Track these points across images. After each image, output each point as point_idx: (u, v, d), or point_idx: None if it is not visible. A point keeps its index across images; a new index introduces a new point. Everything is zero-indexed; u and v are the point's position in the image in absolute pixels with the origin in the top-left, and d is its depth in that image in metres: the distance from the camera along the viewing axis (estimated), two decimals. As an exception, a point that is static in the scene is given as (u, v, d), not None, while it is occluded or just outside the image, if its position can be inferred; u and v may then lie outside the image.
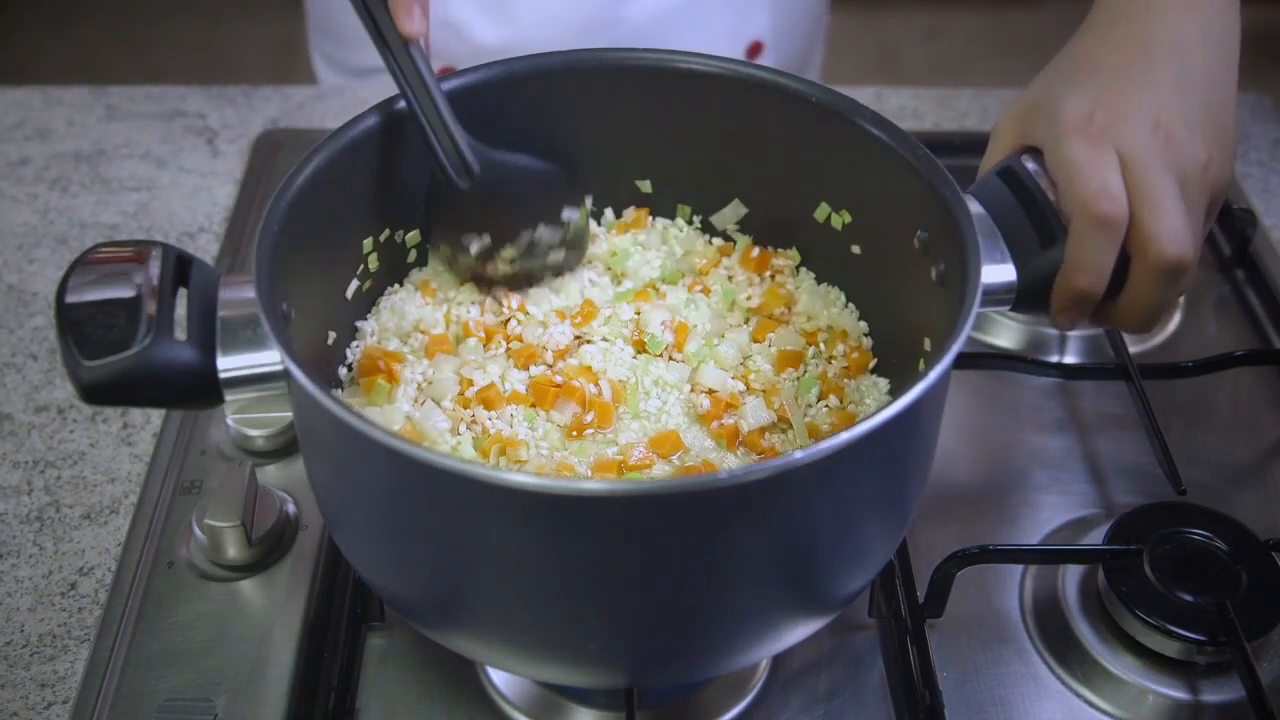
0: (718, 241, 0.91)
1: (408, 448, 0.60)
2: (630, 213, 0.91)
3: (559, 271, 0.87)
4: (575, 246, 0.87)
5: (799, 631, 0.72)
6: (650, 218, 0.91)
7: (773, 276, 0.89)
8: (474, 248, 0.83)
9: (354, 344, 0.84)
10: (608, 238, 0.90)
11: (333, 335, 0.81)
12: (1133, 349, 1.02)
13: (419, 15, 0.77)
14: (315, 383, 0.62)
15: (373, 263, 0.83)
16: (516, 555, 0.65)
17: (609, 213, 0.91)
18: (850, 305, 0.87)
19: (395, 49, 0.78)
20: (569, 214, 0.85)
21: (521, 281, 0.86)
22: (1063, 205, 0.74)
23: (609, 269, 0.89)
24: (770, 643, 0.72)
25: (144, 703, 0.79)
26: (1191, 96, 0.76)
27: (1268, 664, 0.82)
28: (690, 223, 0.91)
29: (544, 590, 0.67)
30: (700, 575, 0.65)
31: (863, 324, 0.86)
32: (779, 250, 0.90)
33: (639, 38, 0.86)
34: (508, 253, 0.84)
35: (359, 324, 0.84)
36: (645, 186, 0.90)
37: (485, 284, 0.86)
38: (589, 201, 0.90)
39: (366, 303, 0.84)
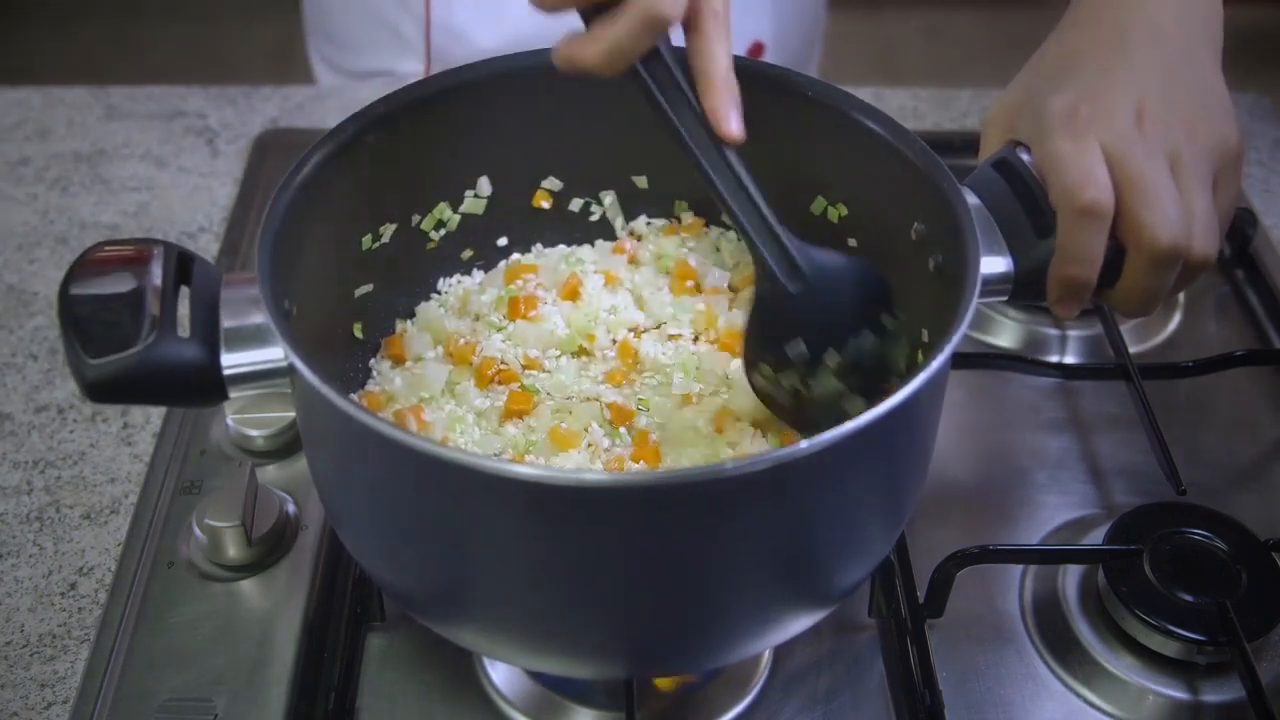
0: None
1: (411, 440, 0.60)
2: (688, 218, 0.92)
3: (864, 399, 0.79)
4: (885, 366, 0.78)
5: (799, 623, 0.72)
6: (705, 226, 0.91)
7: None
8: (795, 354, 0.77)
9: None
10: (656, 240, 0.91)
11: (337, 332, 0.81)
12: (1133, 349, 1.02)
13: (737, 116, 0.71)
14: (320, 377, 0.62)
15: (375, 261, 0.83)
16: (519, 547, 0.65)
17: (605, 207, 0.92)
18: None
19: (707, 153, 0.72)
20: (889, 321, 0.78)
21: (828, 415, 0.77)
22: (1051, 198, 0.75)
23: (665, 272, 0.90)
24: (770, 634, 0.73)
25: (144, 703, 0.79)
26: (1174, 80, 0.77)
27: (1268, 664, 0.82)
28: (694, 214, 0.92)
29: (546, 581, 0.67)
30: (701, 566, 0.66)
31: None
32: None
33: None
34: (832, 360, 0.77)
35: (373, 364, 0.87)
36: (641, 182, 0.90)
37: (795, 416, 0.80)
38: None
39: (368, 302, 0.84)
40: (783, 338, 0.76)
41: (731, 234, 0.91)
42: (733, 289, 0.90)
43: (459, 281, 0.90)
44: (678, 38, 0.71)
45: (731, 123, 0.71)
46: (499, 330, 0.86)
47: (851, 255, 0.78)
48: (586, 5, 0.68)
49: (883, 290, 0.78)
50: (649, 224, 0.92)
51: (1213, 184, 0.76)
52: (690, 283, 0.90)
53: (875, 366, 0.77)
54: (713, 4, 0.70)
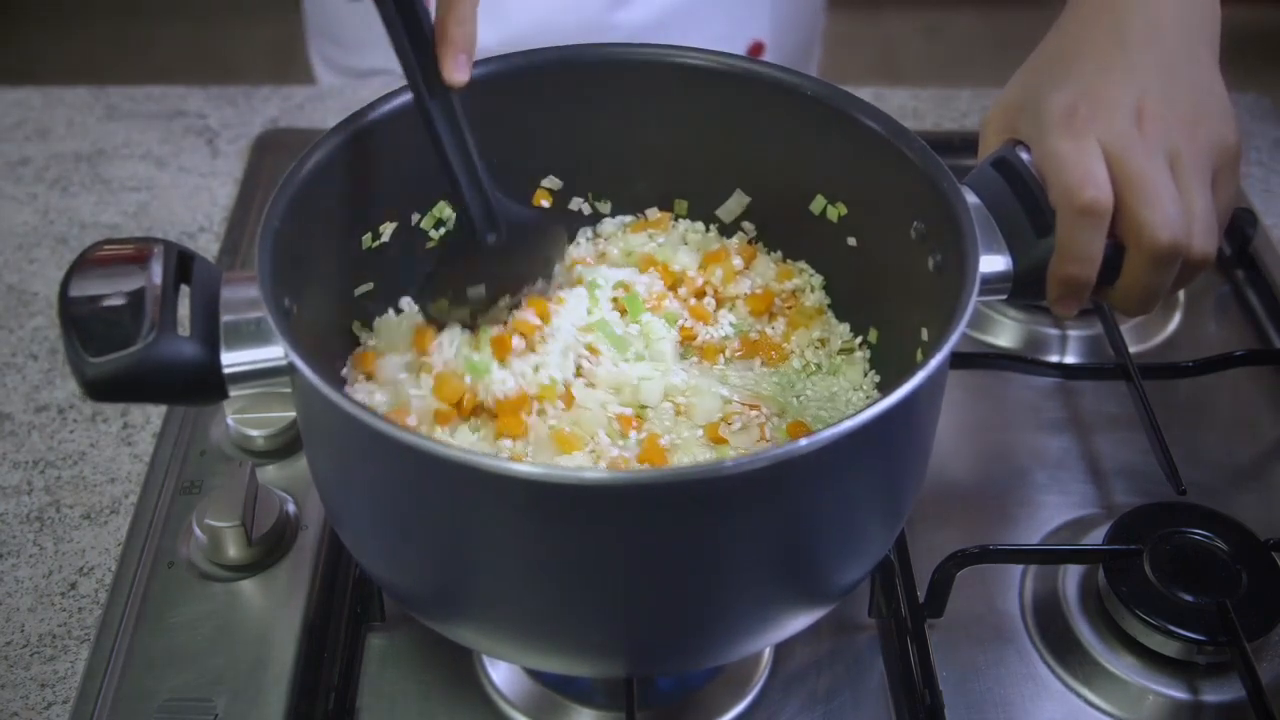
0: (731, 243, 0.91)
1: (411, 439, 0.60)
2: (654, 213, 0.91)
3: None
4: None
5: (798, 621, 0.72)
6: (672, 220, 0.91)
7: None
8: (474, 296, 0.80)
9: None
10: (623, 235, 0.90)
11: (338, 330, 0.81)
12: (1133, 349, 1.02)
13: (465, 63, 0.74)
14: (320, 376, 0.62)
15: (374, 259, 0.83)
16: (518, 545, 0.65)
17: (604, 207, 0.92)
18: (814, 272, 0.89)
19: (435, 95, 0.74)
20: (558, 269, 0.84)
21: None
22: (1050, 197, 0.75)
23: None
24: (770, 632, 0.73)
25: (144, 703, 0.79)
26: (1172, 78, 0.77)
27: (1268, 664, 0.82)
28: (686, 217, 0.91)
29: (546, 580, 0.67)
30: (700, 564, 0.66)
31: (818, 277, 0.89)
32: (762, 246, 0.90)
33: (639, 39, 0.86)
34: (504, 303, 0.81)
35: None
36: (642, 182, 0.90)
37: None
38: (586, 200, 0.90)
39: (368, 301, 0.84)
40: (466, 282, 0.79)
41: (699, 225, 0.91)
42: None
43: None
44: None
45: (455, 68, 0.73)
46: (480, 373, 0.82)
47: (542, 210, 0.85)
48: None
49: (561, 238, 0.85)
50: (613, 219, 0.91)
51: (1212, 182, 0.76)
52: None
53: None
54: None
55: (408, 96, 0.78)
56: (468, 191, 0.77)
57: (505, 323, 0.80)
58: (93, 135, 1.27)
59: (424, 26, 0.73)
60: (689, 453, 0.78)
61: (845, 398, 0.84)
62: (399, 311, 0.85)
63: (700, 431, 0.80)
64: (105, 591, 0.87)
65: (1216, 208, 0.76)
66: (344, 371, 0.83)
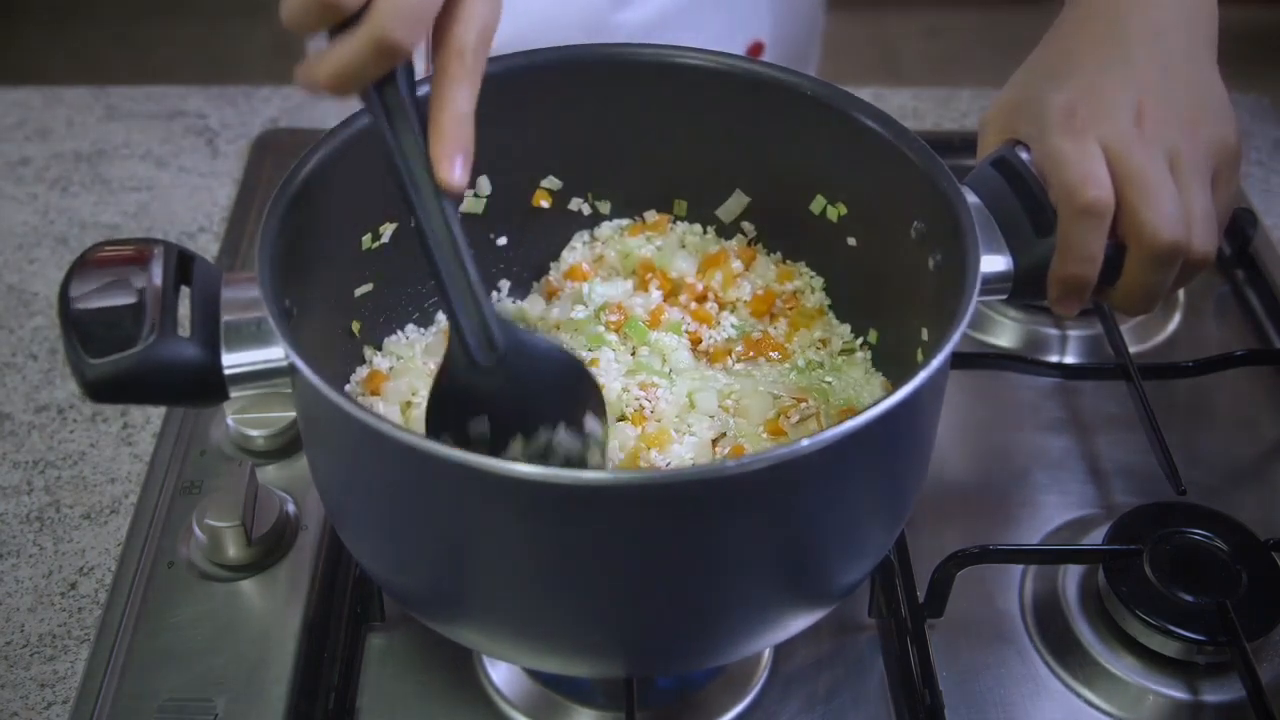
0: (730, 245, 0.91)
1: (412, 439, 0.60)
2: (652, 215, 0.91)
3: None
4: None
5: (799, 622, 0.72)
6: (671, 222, 0.91)
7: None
8: (475, 433, 0.71)
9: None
10: (620, 238, 0.90)
11: (338, 328, 0.81)
12: (1133, 349, 1.02)
13: (461, 165, 0.65)
14: (321, 377, 0.62)
15: (375, 260, 0.83)
16: (519, 545, 0.66)
17: (604, 208, 0.92)
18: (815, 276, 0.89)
19: (425, 199, 0.66)
20: (593, 426, 0.74)
21: None
22: (1051, 197, 0.75)
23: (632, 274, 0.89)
24: (770, 633, 0.73)
25: (144, 703, 0.79)
26: (1172, 77, 0.77)
27: (1268, 664, 0.82)
28: (685, 219, 0.91)
29: (546, 579, 0.67)
30: (701, 565, 0.66)
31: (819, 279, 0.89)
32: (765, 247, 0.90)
33: (639, 40, 0.86)
34: (516, 448, 0.72)
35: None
36: (640, 182, 0.90)
37: None
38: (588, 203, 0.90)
39: (368, 301, 0.84)
40: (466, 413, 0.71)
41: (697, 227, 0.91)
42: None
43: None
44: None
45: (451, 171, 0.65)
46: None
47: (562, 351, 0.74)
48: (332, 23, 0.63)
49: (590, 392, 0.74)
50: (610, 222, 0.92)
51: (1212, 182, 0.76)
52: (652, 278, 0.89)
53: (566, 464, 0.73)
54: (458, 43, 0.64)
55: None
56: (457, 305, 0.68)
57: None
58: (93, 135, 1.27)
59: (414, 129, 0.66)
60: (761, 449, 0.79)
61: (867, 387, 0.84)
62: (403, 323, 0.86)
63: (761, 429, 0.80)
64: (105, 591, 0.87)
65: (1217, 207, 0.76)
66: (348, 387, 0.84)
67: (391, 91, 0.66)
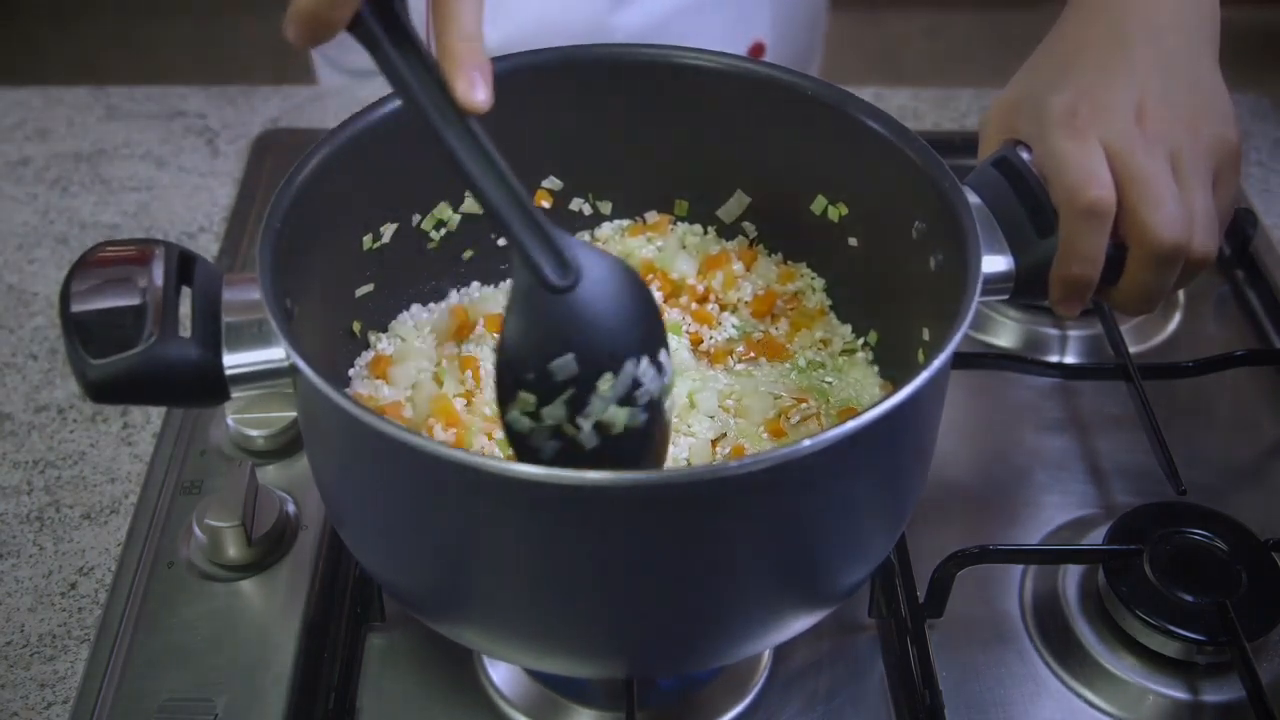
0: (730, 245, 0.91)
1: (413, 439, 0.60)
2: (653, 216, 0.91)
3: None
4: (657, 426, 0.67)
5: (799, 623, 0.73)
6: (672, 223, 0.91)
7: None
8: (562, 375, 0.65)
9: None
10: (621, 239, 0.90)
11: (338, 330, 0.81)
12: (1133, 349, 1.02)
13: (481, 81, 0.60)
14: (322, 377, 0.62)
15: (375, 260, 0.83)
16: (520, 546, 0.65)
17: (605, 208, 0.91)
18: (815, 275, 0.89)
19: (452, 126, 0.62)
20: (666, 361, 0.67)
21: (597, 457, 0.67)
22: (1053, 198, 0.75)
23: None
24: (771, 634, 0.73)
25: (144, 703, 0.79)
26: (1173, 77, 0.77)
27: (1268, 664, 0.82)
28: (686, 219, 0.91)
29: (547, 580, 0.67)
30: (702, 566, 0.66)
31: (819, 280, 0.89)
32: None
33: (640, 40, 0.86)
34: (605, 387, 0.65)
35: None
36: (640, 182, 0.90)
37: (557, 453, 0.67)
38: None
39: (368, 301, 0.84)
40: (547, 353, 0.65)
41: (698, 228, 0.91)
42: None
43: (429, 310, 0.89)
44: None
45: (471, 89, 0.60)
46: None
47: (628, 268, 0.67)
48: None
49: (657, 320, 0.68)
50: (611, 222, 0.92)
51: (1213, 181, 0.76)
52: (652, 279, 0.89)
53: (647, 414, 0.66)
54: None
55: None
56: (516, 226, 0.64)
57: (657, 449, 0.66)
58: (93, 135, 1.27)
59: (422, 52, 0.62)
60: (761, 449, 0.79)
61: (868, 387, 0.84)
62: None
63: (761, 429, 0.80)
64: (105, 591, 0.87)
65: (1218, 206, 0.76)
66: (351, 372, 0.84)
67: (391, 19, 0.61)
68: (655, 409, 0.68)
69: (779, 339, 0.86)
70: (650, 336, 0.67)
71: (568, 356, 0.65)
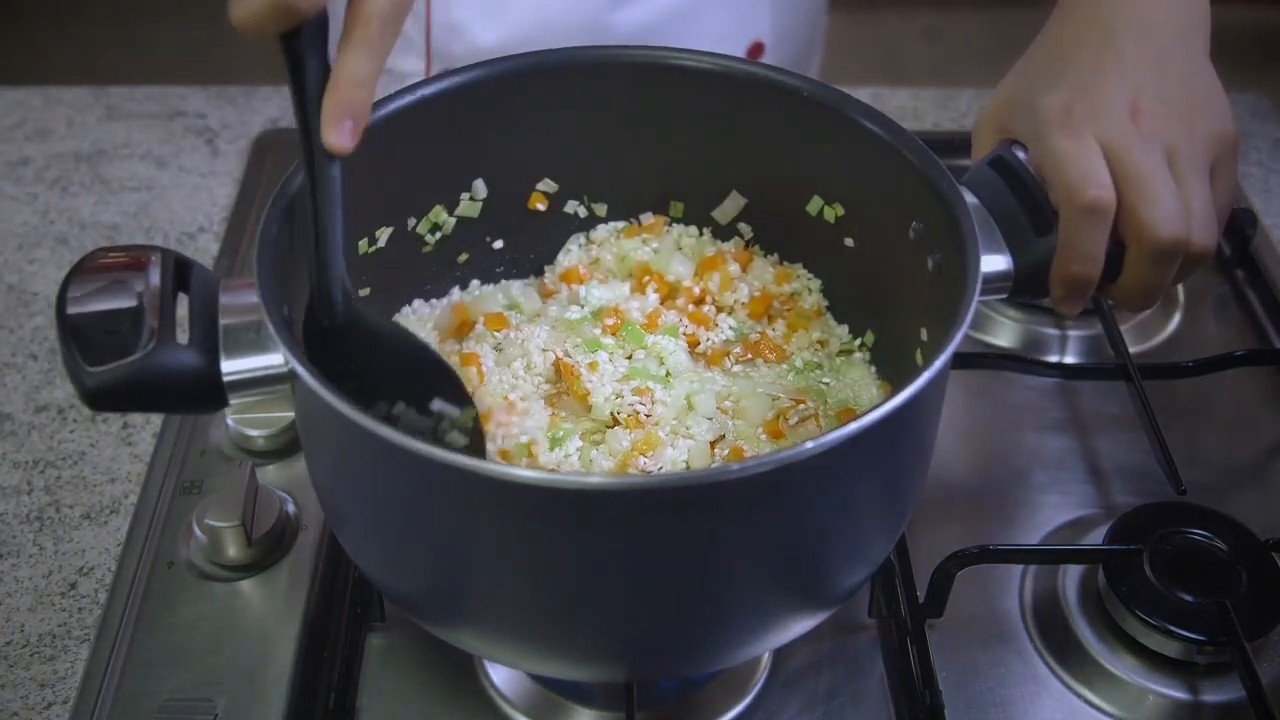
0: (726, 247, 0.91)
1: (411, 443, 0.60)
2: (648, 217, 0.91)
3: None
4: (470, 442, 0.76)
5: (800, 625, 0.72)
6: (667, 225, 0.91)
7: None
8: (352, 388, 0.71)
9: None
10: (616, 241, 0.90)
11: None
12: (1133, 349, 1.02)
13: (350, 129, 0.66)
14: (322, 382, 0.62)
15: (370, 265, 0.83)
16: (519, 550, 0.65)
17: (600, 210, 0.91)
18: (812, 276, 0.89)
19: (317, 157, 0.67)
20: (442, 407, 0.75)
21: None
22: (1052, 197, 0.74)
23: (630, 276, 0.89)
24: (771, 636, 0.73)
25: (144, 703, 0.79)
26: (1167, 73, 0.77)
27: (1268, 664, 0.82)
28: (682, 221, 0.91)
29: (546, 584, 0.67)
30: (702, 569, 0.66)
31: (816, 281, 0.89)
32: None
33: (639, 39, 0.86)
34: (378, 409, 0.74)
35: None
36: (636, 183, 0.90)
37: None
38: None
39: (369, 304, 0.84)
40: (332, 361, 0.70)
41: (694, 229, 0.91)
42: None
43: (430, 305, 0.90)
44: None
45: (337, 134, 0.66)
46: None
47: (408, 336, 0.76)
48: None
49: (443, 377, 0.76)
50: (606, 224, 0.91)
51: (1210, 175, 0.76)
52: (648, 281, 0.89)
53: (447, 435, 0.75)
54: (366, 10, 0.65)
55: (403, 100, 0.78)
56: (313, 262, 0.70)
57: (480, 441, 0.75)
58: (93, 135, 1.27)
59: (314, 83, 0.67)
60: (760, 451, 0.79)
61: (865, 388, 0.84)
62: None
63: (760, 430, 0.80)
64: (105, 591, 0.87)
65: (1216, 201, 0.76)
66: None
67: (298, 47, 0.66)
68: (436, 439, 0.75)
69: (776, 340, 0.86)
70: (416, 388, 0.75)
71: (348, 372, 0.71)
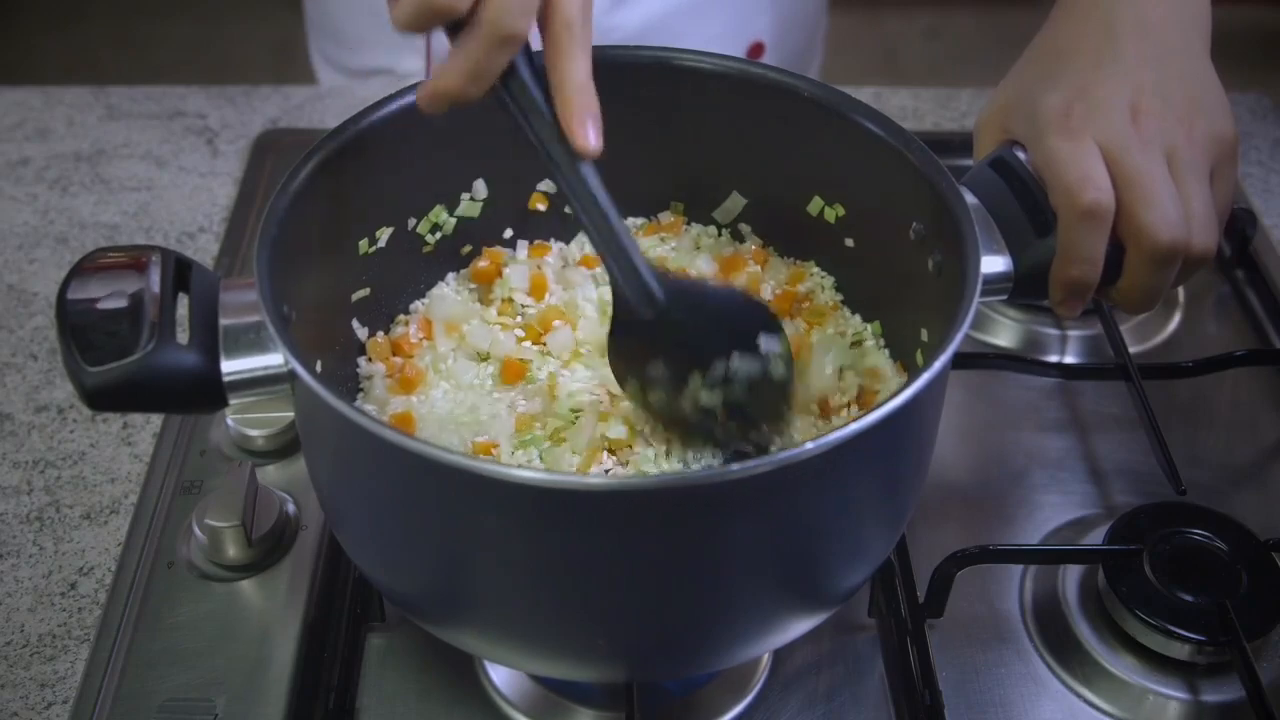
0: (744, 248, 0.91)
1: (411, 443, 0.60)
2: (666, 216, 0.91)
3: (765, 421, 0.78)
4: (778, 388, 0.77)
5: (800, 626, 0.73)
6: (685, 224, 0.91)
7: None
8: (655, 375, 0.75)
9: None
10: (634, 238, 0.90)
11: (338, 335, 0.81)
12: (1133, 349, 1.02)
13: (594, 129, 0.68)
14: (321, 383, 0.62)
15: (371, 264, 0.83)
16: (519, 550, 0.65)
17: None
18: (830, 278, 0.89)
19: (564, 166, 0.70)
20: (767, 344, 0.76)
21: (733, 435, 0.77)
22: (1051, 200, 0.74)
23: None
24: (771, 637, 0.73)
25: (144, 703, 0.79)
26: (1166, 73, 0.77)
27: (1268, 664, 0.82)
28: (688, 219, 0.91)
29: (546, 585, 0.67)
30: (703, 569, 0.66)
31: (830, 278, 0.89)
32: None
33: (639, 39, 0.86)
34: (696, 383, 0.75)
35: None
36: (636, 184, 0.90)
37: (671, 425, 0.78)
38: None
39: (364, 305, 0.84)
40: (641, 360, 0.76)
41: (712, 229, 0.91)
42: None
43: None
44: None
45: (584, 137, 0.68)
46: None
47: (723, 286, 0.79)
48: (444, 23, 0.65)
49: (758, 312, 0.77)
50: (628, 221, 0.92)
51: (1210, 176, 0.76)
52: None
53: (753, 388, 0.75)
54: (564, 14, 0.67)
55: (404, 100, 0.78)
56: (613, 265, 0.73)
57: (760, 444, 0.77)
58: (93, 135, 1.27)
59: (541, 105, 0.69)
60: (809, 434, 0.79)
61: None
62: (407, 313, 0.87)
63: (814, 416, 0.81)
64: (105, 591, 0.87)
65: (1216, 202, 0.76)
66: (358, 370, 0.84)
67: (514, 79, 0.68)
68: (760, 384, 0.76)
69: (799, 338, 0.86)
70: (744, 332, 0.76)
71: (658, 363, 0.75)
